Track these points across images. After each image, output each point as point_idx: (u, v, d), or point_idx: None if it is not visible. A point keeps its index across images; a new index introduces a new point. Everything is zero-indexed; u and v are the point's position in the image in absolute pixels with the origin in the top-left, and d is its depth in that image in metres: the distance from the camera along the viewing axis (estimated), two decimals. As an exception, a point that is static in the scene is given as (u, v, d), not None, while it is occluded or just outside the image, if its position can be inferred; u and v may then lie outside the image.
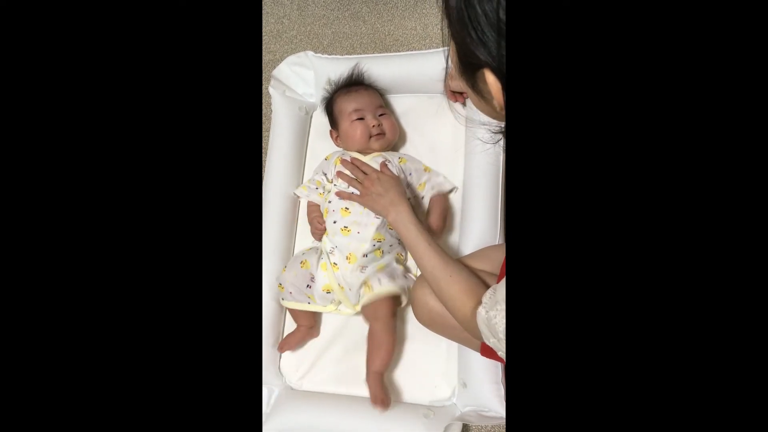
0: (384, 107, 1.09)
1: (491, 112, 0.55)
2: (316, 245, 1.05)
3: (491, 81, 0.48)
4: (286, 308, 1.05)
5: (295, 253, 1.11)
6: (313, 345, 1.05)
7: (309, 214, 1.09)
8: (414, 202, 1.04)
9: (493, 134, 0.59)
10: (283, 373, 1.05)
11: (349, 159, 1.05)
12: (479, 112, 0.58)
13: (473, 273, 0.76)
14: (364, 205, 0.95)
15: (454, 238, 1.06)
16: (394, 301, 0.96)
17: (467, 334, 0.74)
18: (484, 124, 0.61)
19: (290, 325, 1.07)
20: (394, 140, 1.09)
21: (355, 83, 1.11)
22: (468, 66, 0.51)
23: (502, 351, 0.61)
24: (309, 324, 1.03)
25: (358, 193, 0.97)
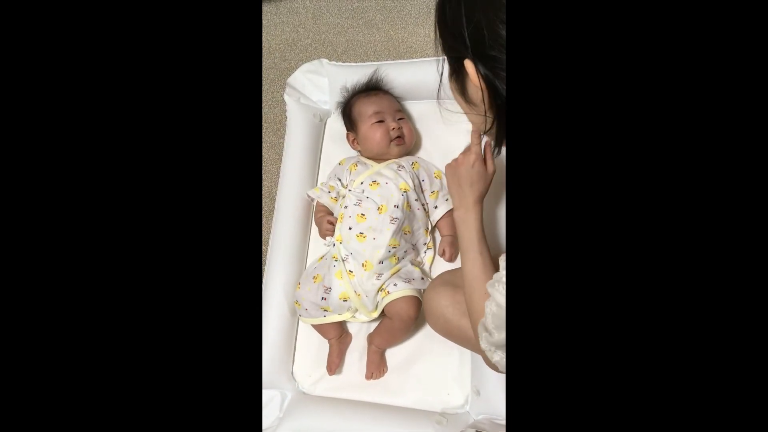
0: (402, 112, 1.11)
1: (481, 122, 0.56)
2: (327, 252, 1.05)
3: (470, 69, 0.50)
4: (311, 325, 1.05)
5: (308, 259, 1.12)
6: (325, 350, 1.05)
7: (316, 214, 1.10)
8: (423, 210, 1.04)
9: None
10: (296, 378, 1.05)
11: (365, 163, 1.07)
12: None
13: None
14: (448, 177, 0.84)
15: (467, 244, 1.06)
16: (417, 302, 0.96)
17: None
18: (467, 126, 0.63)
19: (302, 329, 1.08)
20: (412, 145, 1.10)
21: (374, 88, 1.12)
22: (454, 63, 0.53)
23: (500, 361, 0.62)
24: (337, 335, 1.03)
25: (375, 202, 0.98)
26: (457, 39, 0.50)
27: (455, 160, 0.82)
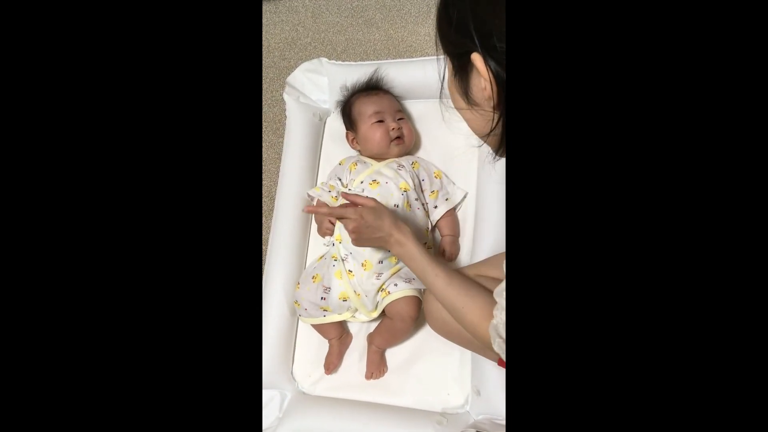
0: (402, 112, 1.11)
1: (483, 128, 0.56)
2: (327, 252, 1.05)
3: (480, 66, 0.49)
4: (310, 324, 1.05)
5: (307, 258, 1.12)
6: (325, 350, 1.04)
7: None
8: (423, 210, 1.04)
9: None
10: (295, 378, 1.05)
11: (364, 162, 1.07)
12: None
13: (487, 293, 0.73)
14: (363, 244, 0.85)
15: (467, 243, 1.05)
16: (418, 302, 0.95)
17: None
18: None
19: (302, 329, 1.08)
20: (411, 145, 1.10)
21: (374, 87, 1.12)
22: (459, 60, 0.52)
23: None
24: (337, 335, 1.03)
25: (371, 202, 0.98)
26: (462, 34, 0.49)
27: (352, 233, 0.83)
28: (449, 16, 0.51)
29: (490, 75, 0.49)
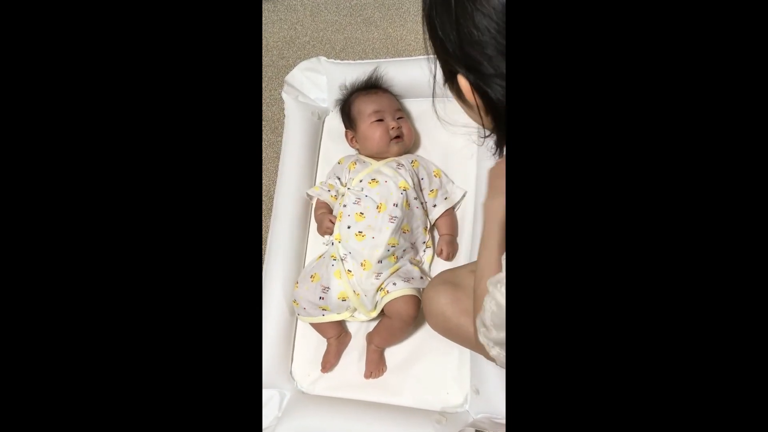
0: (402, 111, 1.10)
1: (478, 120, 0.56)
2: (326, 251, 1.05)
3: (463, 85, 0.49)
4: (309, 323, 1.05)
5: (306, 258, 1.12)
6: (324, 350, 1.04)
7: (316, 211, 1.10)
8: (422, 209, 1.04)
9: (480, 138, 0.60)
10: (294, 377, 1.05)
11: (364, 161, 1.06)
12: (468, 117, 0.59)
13: None
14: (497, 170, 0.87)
15: (466, 242, 1.05)
16: (417, 301, 0.95)
17: None
18: (465, 126, 0.63)
19: (301, 328, 1.08)
20: (411, 144, 1.10)
21: (373, 86, 1.12)
22: (448, 73, 0.53)
23: (497, 351, 0.61)
24: (336, 334, 1.02)
25: (374, 201, 0.98)
26: (445, 49, 0.49)
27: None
28: (433, 27, 0.51)
29: (474, 93, 0.49)
